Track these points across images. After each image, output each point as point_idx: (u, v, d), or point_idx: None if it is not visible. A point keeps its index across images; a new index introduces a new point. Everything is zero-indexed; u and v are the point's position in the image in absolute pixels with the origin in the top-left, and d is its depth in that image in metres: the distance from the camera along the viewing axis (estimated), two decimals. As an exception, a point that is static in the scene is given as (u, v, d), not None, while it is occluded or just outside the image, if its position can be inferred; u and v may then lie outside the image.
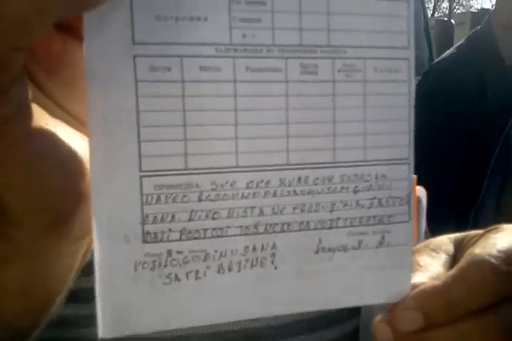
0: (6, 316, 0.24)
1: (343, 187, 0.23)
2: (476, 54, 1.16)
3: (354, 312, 0.42)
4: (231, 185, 0.21)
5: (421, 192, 0.32)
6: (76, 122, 0.22)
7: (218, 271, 0.22)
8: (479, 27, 1.22)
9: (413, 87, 0.24)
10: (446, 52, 1.24)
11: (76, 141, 0.21)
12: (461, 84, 1.11)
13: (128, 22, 0.19)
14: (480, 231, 0.28)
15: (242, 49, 0.21)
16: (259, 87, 0.21)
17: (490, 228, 0.28)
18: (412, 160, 0.24)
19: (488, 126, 1.09)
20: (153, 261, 0.21)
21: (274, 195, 0.22)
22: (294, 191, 0.22)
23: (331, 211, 0.23)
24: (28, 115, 0.19)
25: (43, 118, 0.19)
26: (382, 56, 0.23)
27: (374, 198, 0.23)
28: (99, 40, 0.19)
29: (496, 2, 1.22)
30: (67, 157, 0.20)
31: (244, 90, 0.21)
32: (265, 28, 0.21)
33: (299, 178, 0.22)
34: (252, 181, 0.21)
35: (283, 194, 0.22)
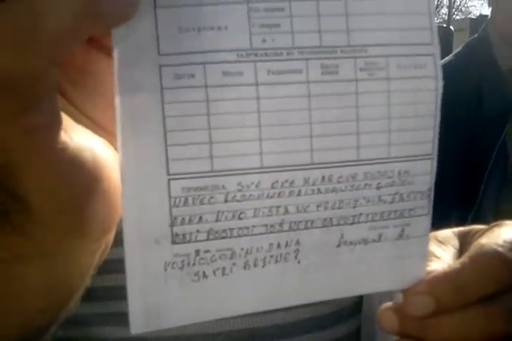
0: (29, 313, 0.26)
1: (366, 184, 0.23)
2: (473, 61, 1.16)
3: (357, 309, 0.43)
4: (256, 185, 0.22)
5: None
6: (97, 127, 0.22)
7: (244, 267, 0.22)
8: (476, 35, 1.21)
9: (441, 82, 0.24)
10: (444, 60, 1.23)
11: (98, 145, 0.21)
12: (459, 91, 1.10)
13: (153, 35, 0.19)
14: (483, 226, 0.29)
15: (262, 53, 0.21)
16: (281, 88, 0.21)
17: (493, 224, 0.29)
18: (435, 155, 0.24)
19: (485, 132, 1.09)
20: (182, 261, 0.22)
21: (299, 194, 0.22)
22: (318, 189, 0.23)
23: (354, 207, 0.23)
24: (59, 123, 0.19)
25: (69, 125, 0.20)
26: (405, 53, 0.23)
27: (396, 193, 0.24)
28: (127, 52, 0.19)
29: (492, 11, 1.21)
30: (92, 162, 0.21)
31: (266, 92, 0.21)
32: (284, 32, 0.21)
33: (323, 177, 0.22)
34: (277, 181, 0.22)
35: (307, 193, 0.22)
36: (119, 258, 0.24)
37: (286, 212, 0.22)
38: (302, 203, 0.22)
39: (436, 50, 0.23)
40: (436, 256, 0.27)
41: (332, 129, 0.22)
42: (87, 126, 0.21)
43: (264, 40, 0.21)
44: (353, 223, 0.23)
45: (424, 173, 0.24)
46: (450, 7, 4.46)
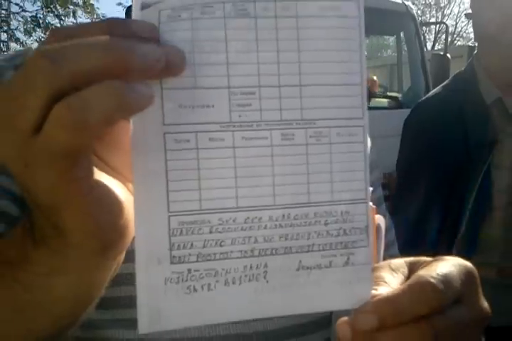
0: (57, 317, 0.33)
1: (316, 221, 0.31)
2: (459, 94, 1.25)
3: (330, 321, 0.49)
4: (233, 220, 0.29)
5: (380, 220, 0.39)
6: (116, 174, 0.30)
7: (225, 284, 0.30)
8: (463, 69, 1.31)
9: (367, 147, 0.32)
10: (432, 91, 1.33)
11: (117, 188, 0.29)
12: (445, 121, 1.20)
13: (160, 109, 0.28)
14: (429, 259, 0.36)
15: (238, 125, 0.29)
16: (252, 150, 0.30)
17: (436, 258, 0.36)
18: (368, 200, 0.32)
19: (471, 161, 1.17)
20: (178, 277, 0.29)
21: (265, 227, 0.30)
22: (280, 224, 0.30)
23: (308, 239, 0.31)
24: (92, 173, 0.27)
25: (97, 173, 0.28)
26: (342, 125, 0.31)
27: (340, 228, 0.31)
28: (140, 126, 0.27)
29: (478, 48, 1.31)
30: (114, 200, 0.28)
31: (240, 153, 0.29)
32: (255, 109, 0.29)
33: (283, 215, 0.30)
34: (248, 218, 0.30)
35: (271, 227, 0.30)
36: (127, 272, 0.31)
37: (256, 241, 0.30)
38: (268, 235, 0.30)
39: (366, 122, 0.32)
40: (385, 282, 0.34)
41: (289, 180, 0.30)
42: (106, 172, 0.30)
43: (239, 116, 0.29)
44: (308, 251, 0.31)
45: (361, 213, 0.32)
46: (447, 36, 4.65)
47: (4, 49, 11.09)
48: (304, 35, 0.30)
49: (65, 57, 0.24)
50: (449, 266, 0.34)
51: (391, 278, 0.34)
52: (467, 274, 0.34)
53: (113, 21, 0.27)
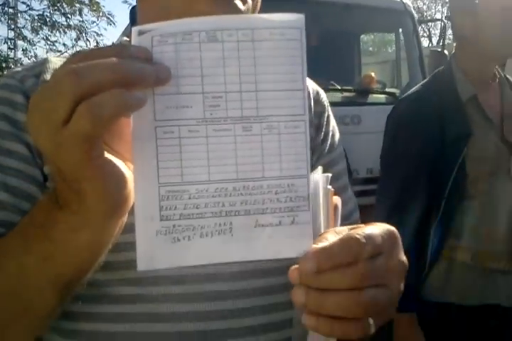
0: (77, 264, 0.44)
1: (269, 191, 0.42)
2: (437, 91, 1.36)
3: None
4: (206, 190, 0.40)
5: (337, 200, 0.50)
6: (119, 156, 0.41)
7: (200, 236, 0.41)
8: (442, 67, 1.42)
9: (308, 137, 0.42)
10: (413, 88, 1.43)
11: (121, 166, 0.40)
12: (424, 117, 1.31)
13: (152, 109, 0.39)
14: (363, 224, 0.46)
15: (210, 120, 0.40)
16: (220, 139, 0.40)
17: (368, 223, 0.46)
18: (309, 175, 0.43)
19: (447, 153, 1.27)
20: (165, 230, 0.40)
21: (230, 195, 0.41)
22: (241, 193, 0.41)
23: (263, 204, 0.42)
24: (103, 153, 0.38)
25: (107, 154, 0.39)
26: (288, 120, 0.42)
27: (287, 197, 0.42)
28: (138, 121, 0.38)
29: (456, 49, 1.41)
30: (119, 174, 0.40)
31: (212, 141, 0.40)
32: (222, 109, 0.40)
33: (243, 186, 0.41)
34: (217, 188, 0.41)
35: (234, 195, 0.41)
36: (126, 241, 0.43)
37: (223, 205, 0.41)
38: (232, 201, 0.41)
39: (306, 117, 0.42)
40: (327, 239, 0.44)
41: (248, 160, 0.41)
42: (114, 156, 0.41)
43: (211, 114, 0.40)
44: (263, 213, 0.42)
45: (303, 185, 0.42)
46: (444, 33, 4.73)
47: (11, 46, 11.24)
48: (259, 54, 0.41)
49: (86, 72, 0.35)
50: (373, 227, 0.44)
51: (332, 237, 0.45)
52: (389, 234, 0.44)
53: (118, 47, 0.38)
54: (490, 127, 1.35)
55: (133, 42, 0.40)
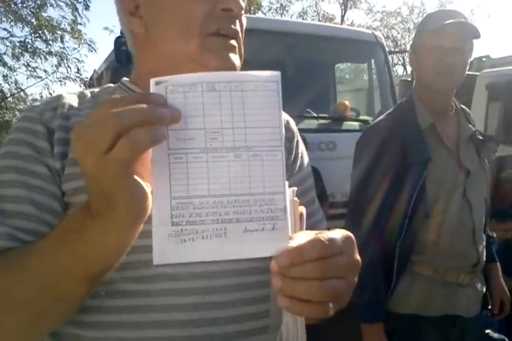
0: (105, 261, 0.56)
1: (254, 204, 0.54)
2: (400, 120, 1.52)
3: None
4: (207, 202, 0.53)
5: (303, 209, 0.62)
6: (141, 177, 0.53)
7: (202, 238, 0.53)
8: (404, 99, 1.58)
9: (284, 162, 0.55)
10: (379, 118, 1.59)
11: (144, 184, 0.52)
12: (388, 143, 1.46)
13: (166, 140, 0.51)
14: (327, 231, 0.59)
15: (210, 149, 0.53)
16: (217, 163, 0.53)
17: (331, 230, 0.59)
18: (286, 192, 0.55)
19: (409, 176, 1.42)
20: (175, 233, 0.52)
21: (225, 207, 0.53)
22: (233, 205, 0.54)
23: (250, 214, 0.54)
24: (133, 174, 0.51)
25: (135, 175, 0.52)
26: (269, 150, 0.54)
27: (269, 209, 0.55)
28: (156, 150, 0.51)
29: (416, 85, 1.58)
30: (143, 190, 0.52)
31: (211, 165, 0.53)
32: (219, 141, 0.53)
33: (235, 200, 0.54)
34: (215, 201, 0.53)
35: (228, 206, 0.53)
36: (139, 245, 0.55)
37: (220, 214, 0.53)
38: (226, 211, 0.53)
39: (282, 147, 0.55)
40: (297, 239, 0.56)
41: (238, 180, 0.54)
42: (138, 177, 0.53)
43: (211, 144, 0.53)
44: (250, 221, 0.54)
45: (281, 200, 0.55)
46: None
47: (-10, 73, 11.32)
48: (246, 100, 0.54)
49: (125, 115, 0.47)
50: (335, 232, 0.57)
51: (301, 237, 0.56)
52: (347, 237, 0.57)
53: (142, 95, 0.51)
54: (447, 153, 1.51)
55: (151, 91, 0.53)
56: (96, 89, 0.86)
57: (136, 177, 0.51)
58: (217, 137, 0.53)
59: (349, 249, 0.57)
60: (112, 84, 0.88)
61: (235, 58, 0.76)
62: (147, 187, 0.53)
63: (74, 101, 0.80)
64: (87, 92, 0.84)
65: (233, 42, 0.76)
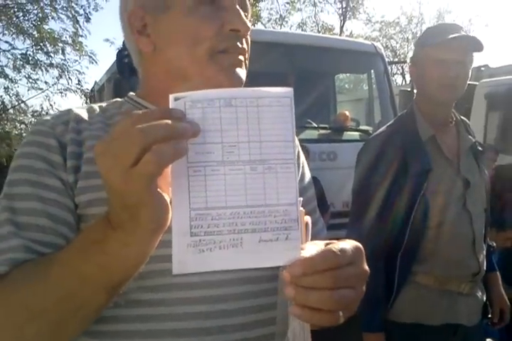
0: (125, 271, 0.58)
1: (269, 215, 0.57)
2: (401, 131, 1.54)
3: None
4: (224, 213, 0.55)
5: (308, 219, 0.64)
6: (161, 189, 0.56)
7: (219, 248, 0.55)
8: (405, 111, 1.61)
9: (297, 174, 0.58)
10: (380, 129, 1.62)
11: (164, 196, 0.55)
12: (390, 154, 1.48)
13: (186, 154, 0.54)
14: (336, 241, 0.61)
15: (227, 162, 0.55)
16: (234, 176, 0.55)
17: (340, 240, 0.61)
18: (298, 204, 0.58)
19: (410, 187, 1.44)
20: (194, 244, 0.54)
21: (241, 217, 0.56)
22: (249, 216, 0.56)
23: (265, 224, 0.56)
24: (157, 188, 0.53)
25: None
26: (282, 163, 0.57)
27: (283, 219, 0.57)
28: (176, 163, 0.53)
29: (417, 97, 1.61)
30: (164, 202, 0.54)
31: (228, 177, 0.55)
32: (236, 154, 0.55)
33: (251, 211, 0.56)
34: (232, 212, 0.55)
35: (244, 217, 0.56)
36: (156, 255, 0.57)
37: (236, 225, 0.56)
38: (242, 221, 0.56)
39: (295, 161, 0.58)
40: (308, 250, 0.58)
41: (254, 191, 0.56)
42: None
43: (228, 158, 0.55)
44: (265, 231, 0.57)
45: (294, 211, 0.57)
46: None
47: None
48: (261, 116, 0.56)
49: (149, 130, 0.50)
50: (346, 243, 0.59)
51: (311, 248, 0.58)
52: (357, 248, 0.59)
53: (163, 110, 0.53)
54: (448, 164, 1.53)
55: (170, 106, 0.55)
56: (103, 104, 0.88)
57: (158, 189, 0.54)
58: (234, 151, 0.56)
59: (358, 260, 0.59)
60: (119, 99, 0.90)
61: (242, 73, 0.79)
62: (168, 199, 0.55)
63: (84, 115, 0.82)
64: (96, 106, 0.86)
65: (241, 57, 0.79)
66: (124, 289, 0.64)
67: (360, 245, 0.61)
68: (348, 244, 0.59)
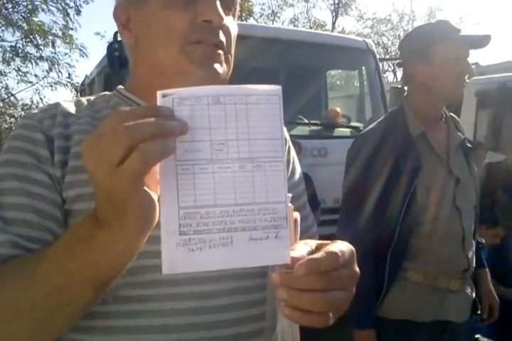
0: (113, 267, 0.58)
1: (258, 213, 0.56)
2: (392, 128, 1.54)
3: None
4: (213, 212, 0.55)
5: (297, 215, 0.64)
6: (148, 187, 0.55)
7: (209, 248, 0.55)
8: (395, 107, 1.61)
9: (285, 172, 0.57)
10: (370, 126, 1.62)
11: (152, 194, 0.54)
12: (380, 151, 1.48)
13: (174, 152, 0.53)
14: (328, 241, 0.61)
15: (216, 160, 0.55)
16: (223, 174, 0.55)
17: (333, 240, 0.61)
18: (287, 202, 0.57)
19: (400, 183, 1.44)
20: (184, 243, 0.54)
21: (231, 216, 0.55)
22: (238, 214, 0.55)
23: (254, 222, 0.56)
24: (143, 185, 0.53)
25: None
26: (271, 161, 0.57)
27: (272, 217, 0.57)
28: (164, 161, 0.53)
29: (408, 92, 1.61)
30: (151, 200, 0.54)
31: (217, 175, 0.55)
32: (225, 152, 0.55)
33: (240, 209, 0.55)
34: (222, 210, 0.55)
35: (234, 215, 0.55)
36: (145, 251, 0.57)
37: (226, 223, 0.55)
38: (232, 220, 0.55)
39: (284, 159, 0.57)
40: (299, 250, 0.58)
41: (243, 190, 0.56)
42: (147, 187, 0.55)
43: (216, 156, 0.55)
44: (254, 229, 0.56)
45: (283, 209, 0.57)
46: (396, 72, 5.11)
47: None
48: (250, 113, 0.56)
49: (136, 128, 0.49)
50: (341, 245, 0.59)
51: (301, 248, 0.59)
52: (351, 251, 0.59)
53: (150, 108, 0.53)
54: (438, 161, 1.54)
55: (158, 103, 0.54)
56: (92, 97, 0.87)
57: (145, 187, 0.53)
58: (223, 149, 0.55)
59: (351, 261, 0.59)
60: (107, 92, 0.89)
61: (220, 68, 0.77)
62: (155, 197, 0.54)
63: (72, 109, 0.81)
64: (84, 100, 0.85)
65: (218, 50, 0.77)
66: (112, 286, 0.63)
67: (352, 247, 0.61)
68: (344, 246, 0.59)
